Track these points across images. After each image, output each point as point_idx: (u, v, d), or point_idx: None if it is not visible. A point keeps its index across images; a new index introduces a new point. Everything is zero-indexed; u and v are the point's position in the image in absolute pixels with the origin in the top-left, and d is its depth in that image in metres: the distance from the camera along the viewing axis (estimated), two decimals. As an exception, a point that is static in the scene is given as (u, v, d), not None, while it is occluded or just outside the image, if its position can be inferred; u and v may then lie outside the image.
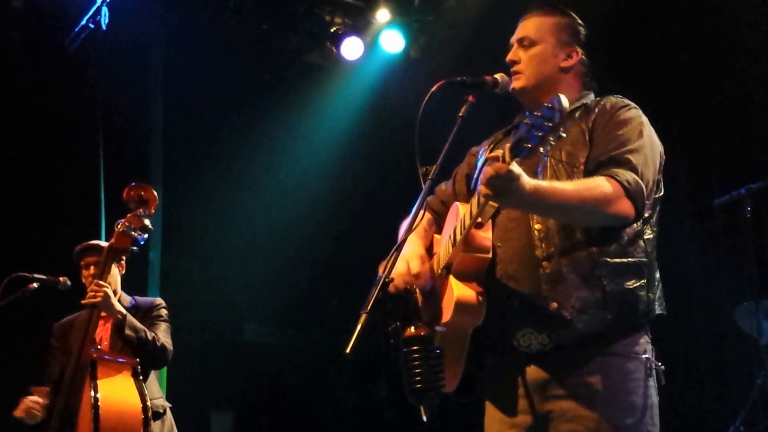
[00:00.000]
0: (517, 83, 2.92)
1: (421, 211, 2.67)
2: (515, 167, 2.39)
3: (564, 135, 2.34)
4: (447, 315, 2.67)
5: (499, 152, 2.39)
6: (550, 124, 2.27)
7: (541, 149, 2.37)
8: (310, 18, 7.48)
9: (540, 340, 2.69)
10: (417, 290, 2.84)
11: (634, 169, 2.65)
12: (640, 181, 2.63)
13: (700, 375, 6.46)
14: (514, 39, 2.98)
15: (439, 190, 3.15)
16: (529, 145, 2.30)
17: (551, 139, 2.31)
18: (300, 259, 7.87)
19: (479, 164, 3.06)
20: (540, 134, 2.28)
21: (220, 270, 7.70)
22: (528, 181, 2.45)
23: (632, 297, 2.69)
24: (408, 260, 2.77)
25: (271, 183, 7.81)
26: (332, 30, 7.51)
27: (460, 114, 2.81)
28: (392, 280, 2.50)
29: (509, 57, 2.95)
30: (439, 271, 2.80)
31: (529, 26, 2.97)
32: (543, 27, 2.96)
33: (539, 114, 2.28)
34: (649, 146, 2.75)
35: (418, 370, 2.44)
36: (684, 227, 6.71)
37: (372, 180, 7.89)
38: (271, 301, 7.93)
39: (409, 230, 2.62)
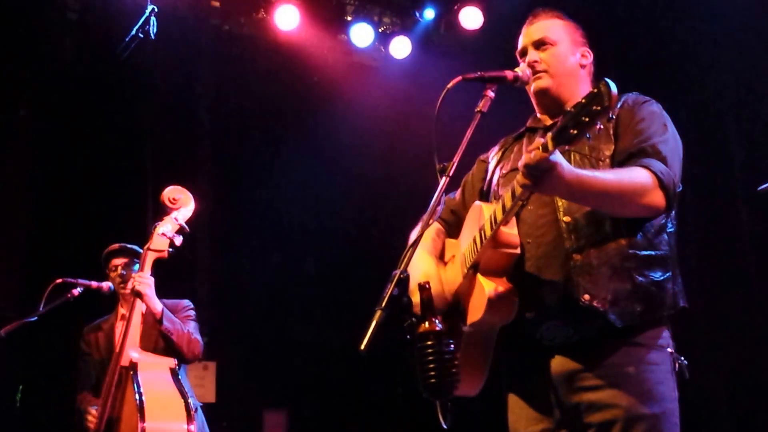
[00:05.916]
0: (541, 82, 2.91)
1: (437, 211, 2.64)
2: (555, 156, 2.36)
3: (614, 117, 2.33)
4: (477, 314, 2.64)
5: (540, 141, 2.35)
6: (598, 108, 2.20)
7: (588, 134, 2.28)
8: (359, 19, 7.52)
9: (565, 333, 2.67)
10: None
11: (664, 159, 2.62)
12: (670, 172, 2.61)
13: (761, 370, 6.31)
14: (527, 42, 2.97)
15: (448, 200, 3.15)
16: (575, 132, 2.24)
17: (598, 124, 2.24)
18: (354, 257, 7.88)
19: (491, 167, 3.06)
20: (586, 119, 2.22)
21: (270, 269, 7.75)
22: (569, 170, 2.43)
23: (660, 289, 2.67)
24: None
25: (320, 182, 7.84)
26: (381, 30, 7.55)
27: (478, 109, 2.78)
28: (407, 274, 2.46)
29: (529, 60, 2.93)
30: (465, 271, 2.77)
31: (543, 28, 2.97)
32: (558, 28, 2.98)
33: (584, 100, 2.23)
34: (673, 140, 2.73)
35: (432, 365, 2.42)
36: (741, 219, 6.56)
37: (422, 177, 7.85)
38: (323, 300, 7.96)
39: (426, 225, 2.61)
